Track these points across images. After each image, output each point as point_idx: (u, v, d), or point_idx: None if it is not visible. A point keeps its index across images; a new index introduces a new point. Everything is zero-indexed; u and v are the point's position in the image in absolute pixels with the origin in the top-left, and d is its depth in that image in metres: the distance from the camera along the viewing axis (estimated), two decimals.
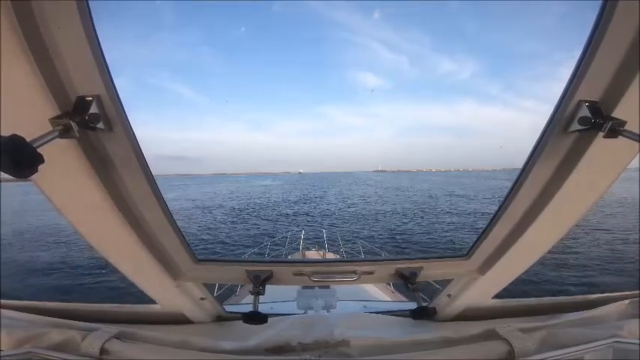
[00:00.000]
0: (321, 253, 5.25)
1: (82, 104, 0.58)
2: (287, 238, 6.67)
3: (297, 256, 5.27)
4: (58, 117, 0.56)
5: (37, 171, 0.46)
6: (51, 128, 0.53)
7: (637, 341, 0.92)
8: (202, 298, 1.18)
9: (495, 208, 0.93)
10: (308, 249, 5.67)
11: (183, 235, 0.95)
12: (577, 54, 0.62)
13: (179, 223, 0.92)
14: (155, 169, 0.75)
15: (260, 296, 1.00)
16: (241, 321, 0.95)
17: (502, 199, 0.89)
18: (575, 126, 0.65)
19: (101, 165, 0.69)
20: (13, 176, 0.43)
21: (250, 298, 1.02)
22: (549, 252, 0.94)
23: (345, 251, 5.97)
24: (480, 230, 1.00)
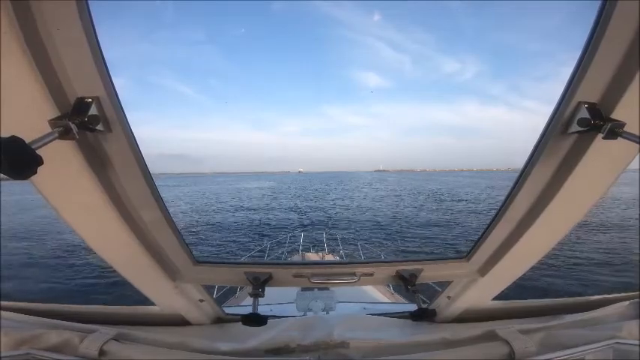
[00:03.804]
0: (321, 254, 5.25)
1: (81, 105, 0.58)
2: (286, 239, 6.67)
3: (296, 257, 5.26)
4: (57, 118, 0.56)
5: (36, 172, 0.46)
6: (50, 130, 0.53)
7: (637, 342, 0.92)
8: (201, 300, 1.18)
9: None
10: (307, 250, 5.66)
11: (182, 237, 0.95)
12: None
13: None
14: (152, 168, 0.76)
15: (259, 298, 1.00)
16: (240, 323, 0.95)
17: (502, 200, 0.90)
18: (575, 127, 0.65)
19: (100, 166, 0.69)
20: (12, 178, 0.42)
21: (250, 299, 1.01)
22: (550, 253, 0.94)
23: (345, 253, 5.96)
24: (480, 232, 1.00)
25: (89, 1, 0.52)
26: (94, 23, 0.54)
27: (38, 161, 0.45)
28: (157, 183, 0.77)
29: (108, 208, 0.74)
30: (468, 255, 1.06)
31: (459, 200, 25.22)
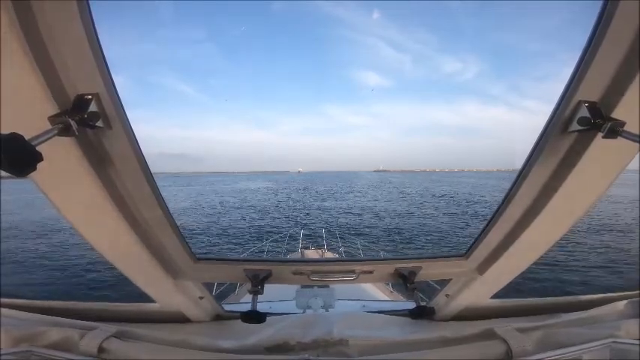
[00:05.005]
0: (320, 252, 5.25)
1: (81, 102, 0.58)
2: (286, 237, 6.68)
3: (296, 255, 5.27)
4: (57, 115, 0.56)
5: (36, 169, 0.46)
6: (50, 126, 0.53)
7: (635, 341, 0.92)
8: (201, 297, 1.18)
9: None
10: (307, 248, 5.67)
11: (182, 234, 0.95)
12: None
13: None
14: (151, 167, 0.76)
15: (259, 295, 1.00)
16: (240, 320, 0.95)
17: (501, 198, 0.90)
18: (575, 126, 0.65)
19: (100, 163, 0.69)
20: (12, 174, 0.43)
21: (249, 297, 1.02)
22: (548, 252, 0.94)
23: (345, 250, 5.98)
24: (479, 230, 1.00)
25: (90, 0, 0.52)
26: (94, 21, 0.54)
27: (38, 158, 0.46)
28: None
29: (108, 205, 0.74)
30: (466, 253, 1.06)
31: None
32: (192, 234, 13.23)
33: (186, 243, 0.98)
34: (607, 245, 9.85)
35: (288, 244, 6.37)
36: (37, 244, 11.03)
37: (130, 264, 0.92)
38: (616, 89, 0.61)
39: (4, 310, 1.01)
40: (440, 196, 29.41)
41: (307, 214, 20.10)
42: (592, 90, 0.63)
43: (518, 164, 0.83)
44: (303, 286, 1.76)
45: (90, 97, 0.59)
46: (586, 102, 0.63)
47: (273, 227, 15.01)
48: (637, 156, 0.69)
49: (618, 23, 0.55)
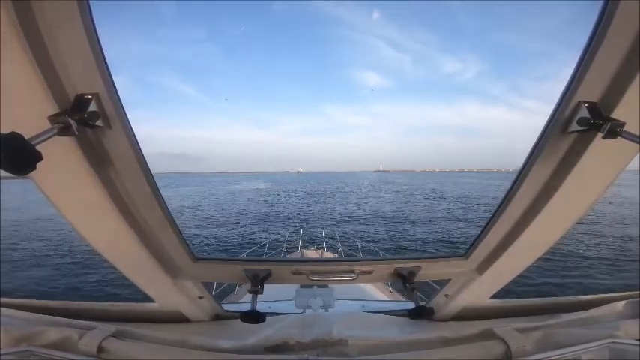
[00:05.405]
0: (320, 252, 5.25)
1: (81, 102, 0.58)
2: (285, 236, 6.68)
3: (295, 255, 5.27)
4: (57, 115, 0.56)
5: (35, 168, 0.46)
6: (50, 126, 0.53)
7: (634, 342, 0.92)
8: (200, 297, 1.18)
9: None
10: (306, 248, 5.67)
11: (181, 234, 0.95)
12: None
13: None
14: (151, 168, 0.76)
15: (258, 295, 1.00)
16: (239, 320, 0.95)
17: (501, 198, 0.90)
18: (575, 127, 0.65)
19: (100, 163, 0.69)
20: (12, 174, 0.43)
21: (248, 296, 1.02)
22: (547, 252, 0.94)
23: (344, 250, 5.98)
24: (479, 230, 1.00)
25: (90, 0, 0.52)
26: (95, 21, 0.54)
27: (38, 157, 0.46)
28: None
29: (107, 204, 0.74)
30: (466, 253, 1.06)
31: None
32: (191, 235, 13.23)
33: (186, 242, 0.98)
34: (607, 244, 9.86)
35: (287, 244, 6.36)
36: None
37: (130, 263, 0.92)
38: (616, 89, 0.61)
39: (3, 310, 1.01)
40: (439, 198, 29.34)
41: (307, 214, 20.08)
42: (592, 90, 0.63)
43: (518, 164, 0.83)
44: (303, 286, 1.76)
45: (90, 96, 0.59)
46: (586, 102, 0.63)
47: (273, 228, 14.99)
48: (637, 156, 0.69)
49: (618, 23, 0.55)
